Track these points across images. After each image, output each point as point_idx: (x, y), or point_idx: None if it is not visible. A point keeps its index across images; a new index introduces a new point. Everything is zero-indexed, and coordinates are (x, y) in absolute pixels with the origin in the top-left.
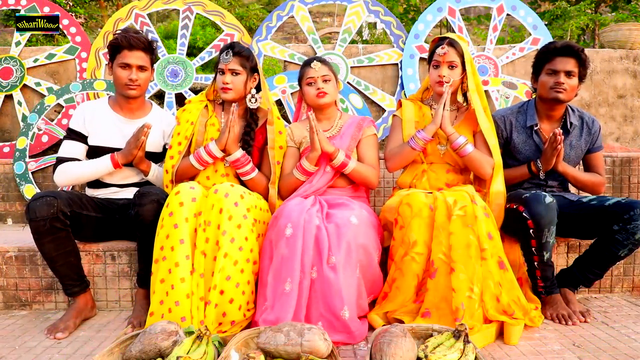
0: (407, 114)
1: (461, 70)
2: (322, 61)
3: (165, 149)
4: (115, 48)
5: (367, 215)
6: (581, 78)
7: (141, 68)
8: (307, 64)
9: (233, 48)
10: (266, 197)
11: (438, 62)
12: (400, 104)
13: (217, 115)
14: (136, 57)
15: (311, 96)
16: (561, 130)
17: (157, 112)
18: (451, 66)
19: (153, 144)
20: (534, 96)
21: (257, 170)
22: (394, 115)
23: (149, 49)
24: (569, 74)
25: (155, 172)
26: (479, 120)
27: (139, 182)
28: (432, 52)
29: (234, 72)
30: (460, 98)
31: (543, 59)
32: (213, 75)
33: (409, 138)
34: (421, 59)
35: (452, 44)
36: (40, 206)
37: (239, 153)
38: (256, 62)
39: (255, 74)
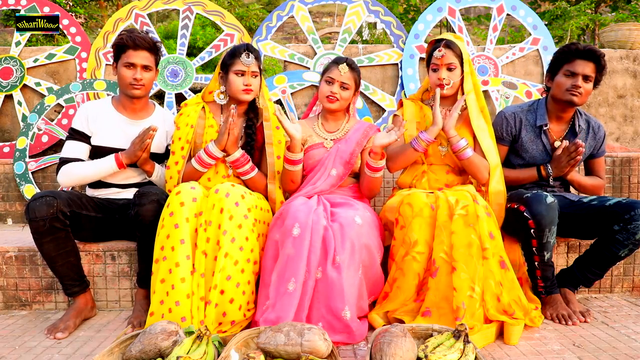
0: (409, 114)
1: (460, 71)
2: (352, 68)
3: (167, 150)
4: (120, 48)
5: (370, 215)
6: (596, 83)
7: (146, 68)
8: (336, 62)
9: (252, 50)
10: (266, 195)
11: (436, 65)
12: (401, 104)
13: (215, 117)
14: (141, 57)
15: (322, 95)
16: (583, 143)
17: (160, 113)
18: (449, 68)
19: (156, 145)
20: (544, 95)
21: (256, 169)
22: (395, 115)
23: (154, 49)
24: (586, 78)
25: (159, 172)
26: (471, 121)
27: (140, 183)
28: (430, 55)
29: (255, 74)
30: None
31: (562, 59)
32: (213, 75)
33: (412, 139)
34: (421, 59)
35: (449, 45)
36: (39, 206)
37: (238, 153)
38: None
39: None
